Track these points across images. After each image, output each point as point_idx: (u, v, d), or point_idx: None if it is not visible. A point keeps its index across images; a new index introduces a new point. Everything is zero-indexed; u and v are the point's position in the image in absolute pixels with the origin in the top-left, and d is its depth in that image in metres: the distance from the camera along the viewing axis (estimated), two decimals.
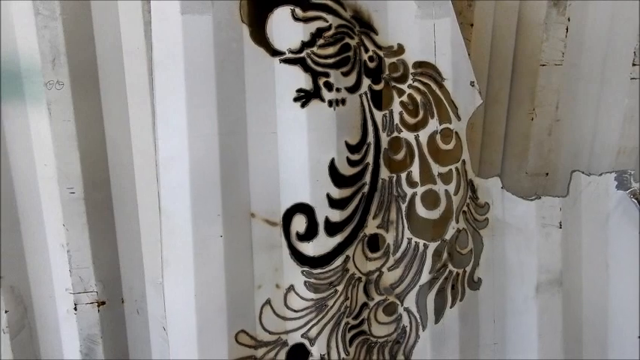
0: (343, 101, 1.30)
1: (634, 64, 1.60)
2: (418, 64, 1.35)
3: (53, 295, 1.50)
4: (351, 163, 1.32)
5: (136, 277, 1.53)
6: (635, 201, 1.38)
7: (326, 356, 1.37)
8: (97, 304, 1.51)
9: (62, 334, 1.53)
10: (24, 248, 1.47)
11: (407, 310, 1.42)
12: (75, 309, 1.50)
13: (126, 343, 1.58)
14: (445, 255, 1.41)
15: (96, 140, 1.43)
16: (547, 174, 1.66)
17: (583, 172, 1.43)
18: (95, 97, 1.40)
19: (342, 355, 1.39)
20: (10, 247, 1.47)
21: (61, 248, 1.46)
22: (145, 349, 1.58)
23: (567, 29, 1.59)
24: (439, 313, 1.44)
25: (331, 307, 1.36)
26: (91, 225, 1.46)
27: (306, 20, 1.26)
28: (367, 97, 1.32)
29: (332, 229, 1.33)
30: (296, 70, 1.28)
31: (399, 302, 1.41)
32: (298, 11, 1.25)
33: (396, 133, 1.35)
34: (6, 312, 1.48)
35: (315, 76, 1.28)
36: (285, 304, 1.35)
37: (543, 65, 1.61)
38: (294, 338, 1.35)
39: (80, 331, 1.51)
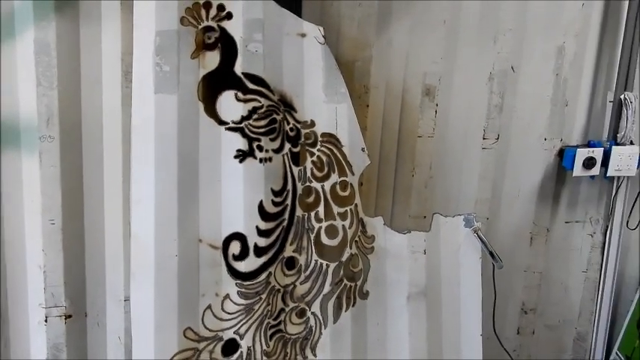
0: (270, 159, 1.60)
1: (484, 138, 1.99)
2: (324, 135, 1.66)
3: (27, 308, 1.65)
4: (275, 204, 1.62)
5: (98, 295, 1.70)
6: (476, 235, 1.76)
7: (251, 348, 1.64)
8: (64, 317, 1.66)
9: (32, 342, 1.66)
10: (6, 268, 1.63)
11: (313, 314, 1.70)
12: (45, 321, 1.65)
13: (86, 351, 1.72)
14: (342, 272, 1.70)
15: (75, 183, 1.63)
16: (425, 217, 1.97)
17: (441, 214, 1.78)
18: (78, 148, 1.62)
19: (264, 347, 1.65)
20: None
21: (38, 269, 1.62)
22: (101, 357, 1.72)
23: (436, 111, 1.93)
24: (337, 316, 1.71)
25: (257, 310, 1.63)
26: (66, 250, 1.63)
27: (245, 101, 1.57)
28: (288, 156, 1.63)
29: (259, 252, 1.62)
30: (236, 136, 1.57)
31: (307, 308, 1.69)
32: (240, 94, 1.56)
33: (308, 183, 1.66)
34: None
35: (250, 140, 1.58)
36: (222, 309, 1.61)
37: (420, 137, 1.94)
38: (228, 334, 1.62)
39: (48, 340, 1.66)
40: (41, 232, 1.62)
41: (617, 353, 2.22)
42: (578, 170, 2.02)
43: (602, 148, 2.02)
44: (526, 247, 2.14)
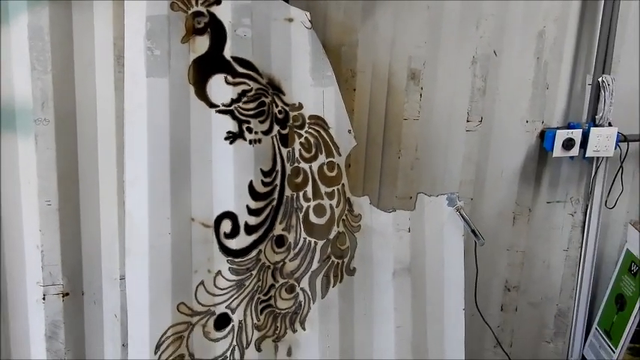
0: (260, 141, 1.64)
1: (468, 121, 2.04)
2: (312, 117, 1.69)
3: (25, 286, 1.70)
4: (264, 184, 1.66)
5: (95, 274, 1.75)
6: (459, 214, 1.81)
7: (243, 322, 1.69)
8: (62, 295, 1.71)
9: (30, 319, 1.71)
10: (4, 249, 1.67)
11: (302, 289, 1.75)
12: (43, 299, 1.69)
13: (83, 328, 1.78)
14: (329, 250, 1.75)
15: (70, 165, 1.67)
16: (411, 197, 1.99)
17: (425, 194, 1.82)
18: (72, 131, 1.65)
19: (255, 321, 1.71)
20: None
21: (36, 249, 1.67)
22: (98, 333, 1.78)
23: (421, 95, 1.97)
24: (325, 291, 1.76)
25: (247, 286, 1.69)
26: (62, 230, 1.67)
27: (234, 84, 1.60)
28: (277, 138, 1.67)
29: (250, 230, 1.66)
30: (226, 118, 1.60)
31: (296, 284, 1.74)
32: (229, 78, 1.59)
33: (296, 164, 1.70)
34: None
35: (240, 122, 1.62)
36: (214, 284, 1.66)
37: (406, 119, 1.98)
38: (220, 309, 1.67)
39: (46, 317, 1.70)
40: (38, 212, 1.65)
41: (596, 328, 2.29)
42: (557, 151, 2.06)
43: (581, 130, 2.07)
44: (509, 227, 2.20)
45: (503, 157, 2.12)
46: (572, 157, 2.13)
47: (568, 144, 2.06)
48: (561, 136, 2.06)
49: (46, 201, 1.65)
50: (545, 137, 2.08)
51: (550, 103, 2.10)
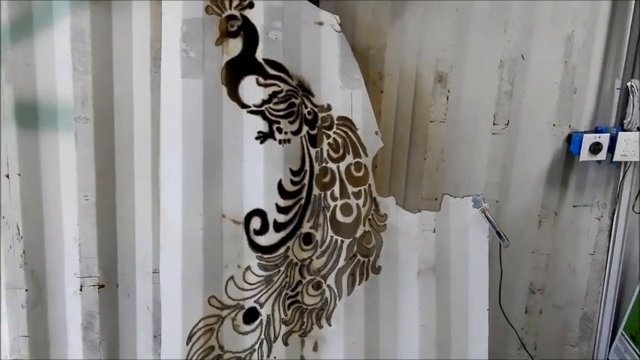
0: (289, 141, 1.68)
1: (494, 124, 2.04)
2: (340, 118, 1.73)
3: (63, 277, 1.75)
4: (293, 183, 1.70)
5: (128, 267, 1.79)
6: (484, 215, 1.82)
7: (271, 316, 1.73)
8: (97, 286, 1.76)
9: (67, 309, 1.77)
10: (45, 241, 1.72)
11: (329, 286, 1.78)
12: (80, 290, 1.75)
13: (117, 319, 1.83)
14: (355, 248, 1.78)
15: (108, 161, 1.72)
16: (436, 199, 2.00)
17: (450, 195, 1.84)
18: (110, 129, 1.71)
19: (282, 316, 1.75)
20: (34, 240, 1.70)
21: (74, 242, 1.72)
22: (131, 324, 1.83)
23: (448, 97, 1.98)
24: (351, 289, 1.79)
25: (276, 281, 1.73)
26: (99, 224, 1.72)
27: (265, 85, 1.64)
28: (306, 138, 1.71)
29: (278, 227, 1.70)
30: (257, 119, 1.64)
31: (323, 281, 1.78)
32: (261, 79, 1.63)
33: (324, 164, 1.74)
34: (26, 290, 1.71)
35: (270, 123, 1.65)
36: (244, 279, 1.70)
37: (432, 121, 1.99)
38: (249, 303, 1.72)
39: (83, 308, 1.76)
40: (77, 206, 1.71)
41: (622, 333, 2.27)
42: (584, 155, 2.06)
43: (609, 134, 2.06)
44: (534, 230, 2.19)
45: (529, 160, 2.12)
46: (599, 162, 2.12)
47: (595, 148, 2.05)
48: (588, 140, 2.05)
49: (85, 196, 1.71)
50: (572, 141, 2.07)
51: (578, 107, 2.09)
